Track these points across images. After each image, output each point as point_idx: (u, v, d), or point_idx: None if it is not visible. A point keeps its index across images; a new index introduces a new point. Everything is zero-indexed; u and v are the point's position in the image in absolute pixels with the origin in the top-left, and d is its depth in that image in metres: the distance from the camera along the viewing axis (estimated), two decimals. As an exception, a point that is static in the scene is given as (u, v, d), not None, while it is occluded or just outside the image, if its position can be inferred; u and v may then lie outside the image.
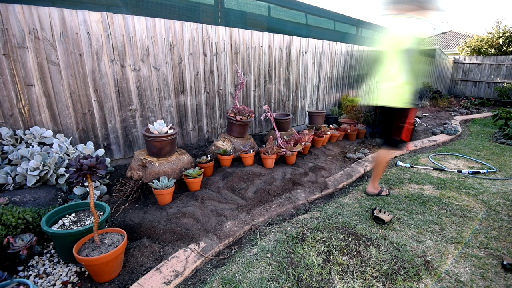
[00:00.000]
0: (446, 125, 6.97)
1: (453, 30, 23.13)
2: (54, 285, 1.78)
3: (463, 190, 3.36)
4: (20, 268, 1.89)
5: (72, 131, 3.15)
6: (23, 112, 2.84)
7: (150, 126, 3.11)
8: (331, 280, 1.89)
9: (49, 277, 1.83)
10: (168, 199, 2.80)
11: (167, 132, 3.11)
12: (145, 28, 3.45)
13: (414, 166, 4.17)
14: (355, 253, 2.15)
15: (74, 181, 1.65)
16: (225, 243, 2.30)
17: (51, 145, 2.85)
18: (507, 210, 2.90)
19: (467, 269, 2.03)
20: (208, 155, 3.55)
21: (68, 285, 1.79)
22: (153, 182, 2.79)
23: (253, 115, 4.05)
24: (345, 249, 2.20)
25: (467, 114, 9.30)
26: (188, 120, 4.16)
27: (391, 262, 2.06)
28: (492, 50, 14.27)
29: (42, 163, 2.52)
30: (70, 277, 1.85)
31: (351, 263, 2.05)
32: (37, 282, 1.79)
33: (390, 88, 2.60)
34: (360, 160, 4.29)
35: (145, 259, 2.04)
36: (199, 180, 3.04)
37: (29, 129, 2.85)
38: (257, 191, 3.06)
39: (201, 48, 4.04)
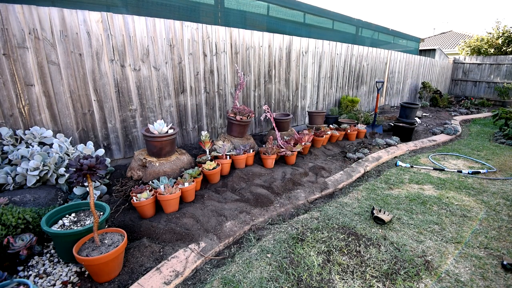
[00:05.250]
0: (446, 125, 6.97)
1: (453, 30, 23.14)
2: (54, 285, 1.78)
3: (463, 190, 3.36)
4: (20, 268, 1.89)
5: (72, 131, 3.15)
6: (23, 112, 2.84)
7: (150, 126, 3.11)
8: (331, 280, 1.89)
9: (49, 277, 1.83)
10: (168, 199, 2.80)
11: (167, 132, 3.11)
12: (145, 28, 3.45)
13: (414, 166, 4.17)
14: (355, 253, 2.15)
15: (74, 181, 1.65)
16: (225, 243, 2.30)
17: (51, 145, 2.85)
18: (507, 210, 2.90)
19: (467, 269, 2.03)
20: (209, 155, 3.55)
21: (68, 285, 1.79)
22: (153, 182, 2.79)
23: (253, 115, 4.05)
24: (345, 249, 2.20)
25: (467, 114, 9.30)
26: (188, 120, 4.16)
27: (391, 262, 2.06)
28: (492, 50, 14.28)
29: (42, 163, 2.52)
30: (70, 277, 1.85)
31: (351, 263, 2.05)
32: (37, 282, 1.79)
33: None
34: (360, 160, 4.29)
35: (145, 259, 2.04)
36: (199, 180, 3.04)
37: (29, 129, 2.85)
38: (257, 191, 3.05)
39: (201, 48, 4.04)
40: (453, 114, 8.86)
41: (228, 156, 3.50)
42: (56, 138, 2.88)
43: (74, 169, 1.65)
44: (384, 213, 2.66)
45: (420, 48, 12.75)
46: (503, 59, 11.80)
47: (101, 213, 2.15)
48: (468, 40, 15.54)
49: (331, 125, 5.68)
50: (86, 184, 2.40)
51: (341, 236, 2.36)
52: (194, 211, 2.59)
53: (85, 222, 2.08)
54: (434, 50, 14.02)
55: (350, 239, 2.33)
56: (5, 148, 2.65)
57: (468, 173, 3.91)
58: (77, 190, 2.64)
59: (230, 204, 2.81)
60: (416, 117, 7.33)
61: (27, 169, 2.47)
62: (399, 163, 4.24)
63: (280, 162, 3.97)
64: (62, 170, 2.64)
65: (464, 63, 12.98)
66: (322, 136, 4.72)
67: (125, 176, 3.20)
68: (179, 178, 2.95)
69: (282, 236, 2.37)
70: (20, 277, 1.82)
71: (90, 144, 3.01)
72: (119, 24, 3.24)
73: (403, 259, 2.10)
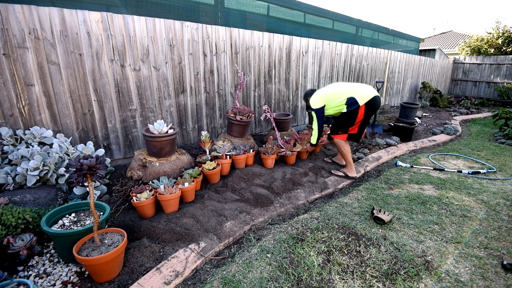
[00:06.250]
0: (446, 125, 6.97)
1: (453, 30, 23.14)
2: (54, 285, 1.78)
3: (463, 190, 3.36)
4: (20, 268, 1.89)
5: (72, 131, 3.15)
6: (23, 112, 2.84)
7: (150, 126, 3.11)
8: (331, 280, 1.89)
9: (49, 277, 1.83)
10: (168, 199, 2.80)
11: (167, 132, 3.11)
12: (145, 28, 3.45)
13: (414, 166, 4.17)
14: (355, 253, 2.15)
15: (74, 181, 1.65)
16: (225, 243, 2.30)
17: (51, 145, 2.85)
18: (507, 210, 2.90)
19: (467, 269, 2.03)
20: (209, 155, 3.54)
21: (68, 285, 1.79)
22: (153, 182, 2.79)
23: (253, 115, 4.05)
24: (345, 249, 2.20)
25: (467, 114, 9.30)
26: (188, 120, 4.16)
27: (391, 262, 2.06)
28: (492, 50, 14.28)
29: (42, 163, 2.52)
30: (70, 277, 1.85)
31: (351, 263, 2.05)
32: (37, 282, 1.79)
33: None
34: (360, 160, 4.29)
35: (145, 259, 2.04)
36: (199, 180, 3.04)
37: (29, 129, 2.84)
38: (257, 191, 3.05)
39: (201, 48, 4.04)
40: (453, 114, 8.86)
41: (228, 156, 3.50)
42: (56, 138, 2.88)
43: (74, 169, 1.65)
44: (384, 213, 2.66)
45: (420, 48, 12.76)
46: (503, 59, 11.80)
47: (101, 213, 2.15)
48: (468, 40, 15.54)
49: (331, 125, 5.67)
50: (86, 184, 2.40)
51: (341, 236, 2.36)
52: (194, 211, 2.59)
53: (85, 222, 2.08)
54: (434, 50, 14.02)
55: (350, 239, 2.33)
56: (5, 148, 2.65)
57: (468, 173, 3.91)
58: (77, 190, 2.64)
59: (230, 204, 2.81)
60: (416, 117, 7.33)
61: (27, 169, 2.47)
62: (399, 163, 4.24)
63: (280, 162, 3.97)
64: (62, 170, 2.64)
65: (464, 63, 12.98)
66: (322, 136, 4.71)
67: (125, 176, 3.20)
68: (179, 178, 2.95)
69: (282, 236, 2.37)
70: (20, 277, 1.82)
71: (90, 144, 3.01)
72: (119, 24, 3.24)
73: (403, 259, 2.10)
